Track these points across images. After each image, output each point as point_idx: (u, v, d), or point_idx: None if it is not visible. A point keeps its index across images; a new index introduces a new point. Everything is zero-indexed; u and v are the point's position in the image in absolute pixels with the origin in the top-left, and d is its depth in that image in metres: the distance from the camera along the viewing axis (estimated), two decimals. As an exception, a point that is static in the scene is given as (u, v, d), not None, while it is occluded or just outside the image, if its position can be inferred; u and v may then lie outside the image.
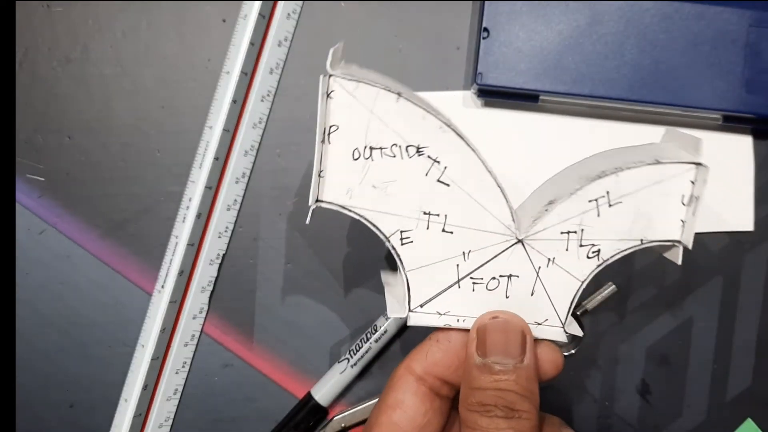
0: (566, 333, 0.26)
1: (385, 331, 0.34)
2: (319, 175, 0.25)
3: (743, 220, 0.36)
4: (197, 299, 0.35)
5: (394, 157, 0.25)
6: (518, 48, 0.33)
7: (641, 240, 0.26)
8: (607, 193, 0.25)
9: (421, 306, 0.26)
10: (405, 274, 0.26)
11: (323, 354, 0.35)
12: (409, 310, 0.26)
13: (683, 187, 0.26)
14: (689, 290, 0.36)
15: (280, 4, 0.34)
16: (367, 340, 0.34)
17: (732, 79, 0.33)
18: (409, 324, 0.26)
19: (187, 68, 0.35)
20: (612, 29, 0.33)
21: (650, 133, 0.35)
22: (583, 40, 0.33)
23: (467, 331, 0.26)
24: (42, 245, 0.35)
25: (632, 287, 0.35)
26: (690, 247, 0.26)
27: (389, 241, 0.25)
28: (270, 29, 0.34)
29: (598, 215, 0.26)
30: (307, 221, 0.25)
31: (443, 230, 0.26)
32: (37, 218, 0.35)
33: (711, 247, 0.36)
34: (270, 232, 0.35)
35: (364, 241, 0.35)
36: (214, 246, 0.35)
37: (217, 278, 0.35)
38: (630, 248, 0.26)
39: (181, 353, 0.35)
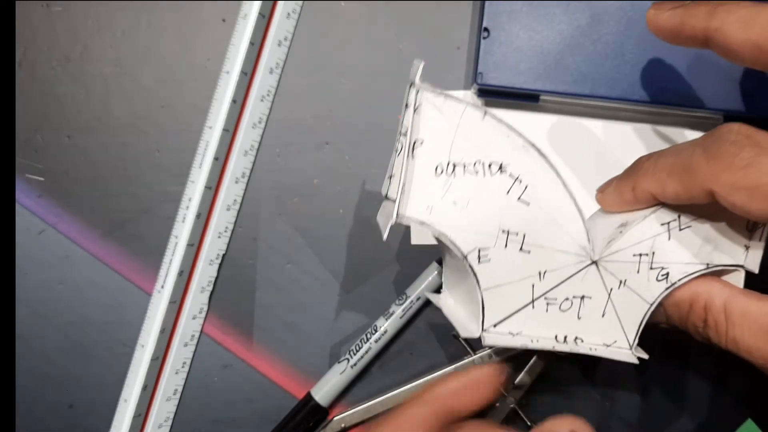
0: (635, 355, 0.26)
1: (385, 332, 0.34)
2: (402, 190, 0.24)
3: (743, 220, 0.35)
4: (197, 299, 0.35)
5: (477, 174, 0.25)
6: (518, 48, 0.33)
7: (707, 264, 0.26)
8: (678, 217, 0.26)
9: (495, 326, 0.26)
10: (481, 292, 0.25)
11: (323, 354, 0.35)
12: (483, 329, 0.26)
13: None
14: (689, 290, 0.36)
15: (279, 4, 0.34)
16: (367, 340, 0.34)
17: (733, 78, 0.33)
18: (484, 344, 0.25)
19: (187, 68, 0.35)
20: (612, 29, 0.33)
21: (650, 133, 0.35)
22: (583, 40, 0.33)
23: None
24: (41, 245, 0.35)
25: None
26: (756, 271, 0.26)
27: (467, 260, 0.25)
28: (270, 29, 0.34)
29: (669, 238, 0.26)
30: (384, 237, 0.24)
31: (521, 249, 0.25)
32: (36, 218, 0.35)
33: (711, 247, 0.35)
34: (270, 232, 0.35)
35: (364, 242, 0.35)
36: (213, 246, 0.34)
37: (216, 278, 0.35)
38: (696, 272, 0.26)
39: (180, 353, 0.35)
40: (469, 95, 0.35)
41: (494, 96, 0.34)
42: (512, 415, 0.34)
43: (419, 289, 0.34)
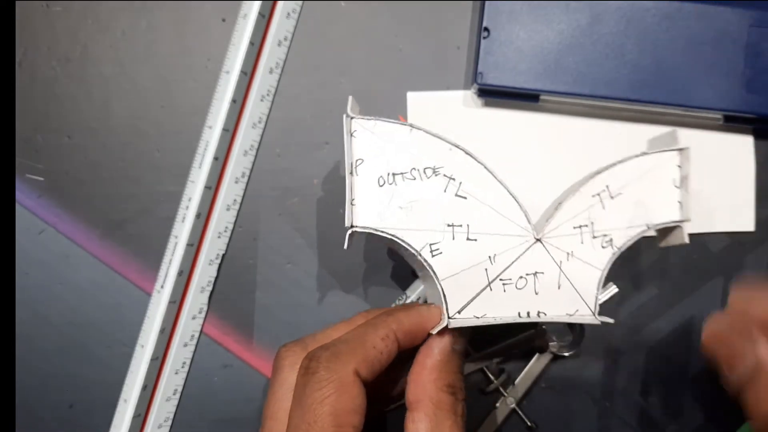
0: (598, 319, 0.28)
1: (385, 332, 0.34)
2: (352, 204, 0.27)
3: (744, 221, 0.35)
4: (197, 299, 0.35)
5: (414, 179, 0.28)
6: (518, 48, 0.33)
7: (647, 225, 0.29)
8: (607, 187, 0.29)
9: (459, 312, 0.28)
10: (440, 283, 0.27)
11: (323, 354, 0.35)
12: (449, 317, 0.27)
13: (672, 172, 0.29)
14: (690, 290, 0.36)
15: (279, 4, 0.34)
16: (367, 340, 0.34)
17: (733, 78, 0.33)
18: (450, 328, 0.27)
19: (187, 68, 0.35)
20: (612, 29, 0.33)
21: (650, 133, 0.35)
22: (583, 40, 0.33)
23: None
24: (41, 245, 0.35)
25: (633, 287, 0.35)
26: (690, 220, 0.29)
27: (420, 255, 0.27)
28: (270, 29, 0.34)
29: (603, 207, 0.29)
30: (345, 246, 0.27)
31: (468, 238, 0.28)
32: (36, 218, 0.35)
33: (711, 248, 0.35)
34: (270, 232, 0.35)
35: (363, 242, 0.35)
36: (213, 246, 0.34)
37: (216, 278, 0.35)
38: (638, 234, 0.29)
39: (180, 353, 0.35)
40: (468, 95, 0.35)
41: (494, 96, 0.34)
42: (512, 415, 0.34)
43: (419, 289, 0.34)
